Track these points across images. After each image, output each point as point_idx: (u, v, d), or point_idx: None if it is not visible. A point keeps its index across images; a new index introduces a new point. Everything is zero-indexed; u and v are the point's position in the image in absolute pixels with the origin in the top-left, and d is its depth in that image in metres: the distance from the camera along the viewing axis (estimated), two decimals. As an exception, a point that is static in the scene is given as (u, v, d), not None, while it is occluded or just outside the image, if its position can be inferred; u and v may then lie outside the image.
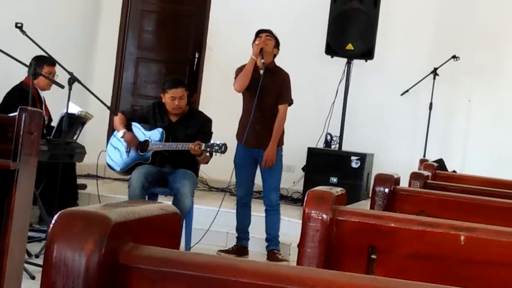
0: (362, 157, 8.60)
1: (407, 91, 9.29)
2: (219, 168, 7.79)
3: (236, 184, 7.14)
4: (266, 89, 6.74)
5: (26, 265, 5.08)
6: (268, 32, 6.87)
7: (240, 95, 6.90)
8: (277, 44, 6.87)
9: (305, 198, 1.70)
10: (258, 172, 6.97)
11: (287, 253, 6.97)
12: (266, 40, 6.76)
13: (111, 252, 0.98)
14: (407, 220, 1.76)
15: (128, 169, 6.68)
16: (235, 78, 6.80)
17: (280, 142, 6.92)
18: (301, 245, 1.69)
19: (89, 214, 0.99)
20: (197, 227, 6.78)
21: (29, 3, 8.51)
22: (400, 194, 2.58)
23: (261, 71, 6.71)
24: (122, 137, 6.70)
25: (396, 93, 9.36)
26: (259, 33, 6.87)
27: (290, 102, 6.89)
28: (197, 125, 6.64)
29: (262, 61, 6.67)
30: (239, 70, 6.80)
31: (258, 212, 7.03)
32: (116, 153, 6.79)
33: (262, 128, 6.78)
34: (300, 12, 9.55)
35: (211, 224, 6.87)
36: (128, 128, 6.77)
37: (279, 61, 6.97)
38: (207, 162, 6.65)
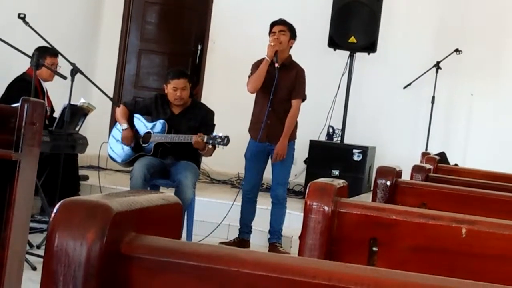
0: (364, 150, 8.60)
1: (409, 84, 9.28)
2: (221, 160, 7.80)
3: (244, 177, 7.14)
4: (280, 85, 6.72)
5: (27, 256, 5.08)
6: (282, 24, 6.79)
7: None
8: (293, 35, 6.80)
9: (307, 190, 1.70)
10: (267, 167, 6.96)
11: (288, 246, 6.97)
12: (280, 37, 6.71)
13: (113, 241, 0.98)
14: (408, 212, 1.76)
15: (130, 161, 6.68)
16: (250, 75, 6.77)
17: (293, 136, 6.89)
18: (302, 237, 1.69)
19: (91, 203, 0.99)
20: (199, 219, 6.79)
21: (32, -6, 8.51)
22: (401, 187, 2.58)
23: (276, 64, 6.67)
24: (124, 130, 6.69)
25: (399, 86, 9.35)
26: (272, 26, 6.82)
27: (303, 98, 6.87)
28: (199, 117, 6.64)
29: (277, 65, 6.64)
30: (255, 67, 6.77)
31: (262, 205, 7.02)
32: (118, 144, 6.79)
33: (274, 122, 6.75)
34: (303, 5, 9.53)
35: (224, 218, 6.89)
36: (130, 119, 6.77)
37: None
38: (210, 155, 6.65)
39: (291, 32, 6.80)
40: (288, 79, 6.75)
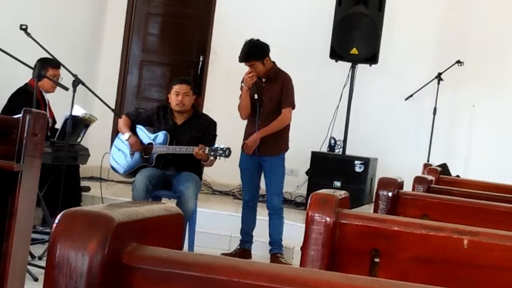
0: (366, 161, 8.60)
1: (411, 95, 9.28)
2: (223, 171, 7.79)
3: (242, 188, 7.16)
4: (266, 97, 6.74)
5: (29, 267, 5.07)
6: (247, 61, 6.69)
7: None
8: (263, 57, 6.69)
9: (309, 201, 1.70)
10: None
11: (290, 257, 6.96)
12: (253, 70, 6.64)
13: (114, 252, 0.98)
14: (410, 223, 1.76)
15: (132, 172, 6.68)
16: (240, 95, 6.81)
17: (283, 148, 6.90)
18: (304, 248, 1.69)
19: (93, 214, 0.99)
20: (200, 230, 6.78)
21: (34, 5, 8.53)
22: (403, 198, 2.58)
23: (263, 80, 6.69)
24: (127, 139, 6.69)
25: (400, 97, 9.35)
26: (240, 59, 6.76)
27: (293, 106, 6.86)
28: (202, 128, 6.65)
29: (256, 96, 6.66)
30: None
31: (261, 215, 7.02)
32: (120, 155, 6.79)
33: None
34: (305, 16, 9.55)
35: (225, 229, 6.87)
36: (133, 130, 6.77)
37: (284, 66, 6.95)
38: (211, 165, 6.65)
39: (260, 58, 6.68)
40: (274, 91, 6.77)
